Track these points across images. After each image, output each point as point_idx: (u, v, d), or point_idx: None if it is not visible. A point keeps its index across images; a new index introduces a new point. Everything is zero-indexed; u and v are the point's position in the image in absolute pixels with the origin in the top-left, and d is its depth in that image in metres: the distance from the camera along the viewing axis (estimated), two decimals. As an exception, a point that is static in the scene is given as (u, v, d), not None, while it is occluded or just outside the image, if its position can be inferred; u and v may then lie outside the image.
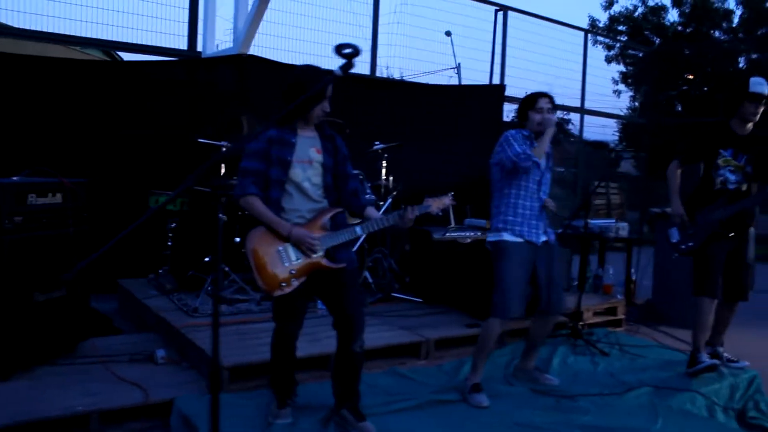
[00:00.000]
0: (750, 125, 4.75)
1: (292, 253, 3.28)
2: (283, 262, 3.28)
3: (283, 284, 3.27)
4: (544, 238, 4.21)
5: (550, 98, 4.22)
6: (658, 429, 3.78)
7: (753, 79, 4.65)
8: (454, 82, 10.92)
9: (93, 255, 2.06)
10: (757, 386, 4.71)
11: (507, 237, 4.11)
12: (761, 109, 4.68)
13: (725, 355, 5.03)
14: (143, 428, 3.63)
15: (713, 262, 4.69)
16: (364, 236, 5.91)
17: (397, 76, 10.81)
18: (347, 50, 2.40)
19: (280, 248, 3.28)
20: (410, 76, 10.43)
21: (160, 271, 6.04)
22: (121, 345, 4.67)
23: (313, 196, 3.37)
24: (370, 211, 3.50)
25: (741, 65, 18.10)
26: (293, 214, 3.34)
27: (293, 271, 3.28)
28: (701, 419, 4.12)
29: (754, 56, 17.81)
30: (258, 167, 3.30)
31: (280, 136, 3.32)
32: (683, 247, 4.87)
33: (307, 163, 3.35)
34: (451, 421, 3.70)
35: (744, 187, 4.73)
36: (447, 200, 3.51)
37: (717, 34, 20.61)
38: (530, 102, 4.19)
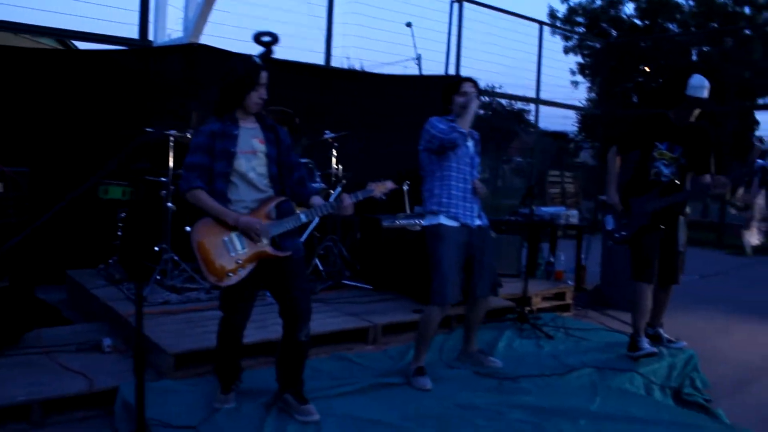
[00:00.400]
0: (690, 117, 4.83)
1: (237, 243, 3.31)
2: (229, 252, 3.29)
3: (230, 274, 3.29)
4: (478, 222, 4.28)
5: (475, 83, 4.31)
6: (596, 407, 3.87)
7: (693, 81, 4.67)
8: (415, 72, 11.00)
9: (8, 244, 2.06)
10: (693, 365, 4.87)
11: (443, 221, 4.16)
12: (698, 112, 4.79)
13: (665, 335, 5.18)
14: (86, 417, 3.62)
15: (648, 250, 4.82)
16: (314, 224, 5.99)
17: (358, 66, 10.84)
18: (266, 38, 2.43)
19: (226, 238, 3.30)
20: (371, 66, 10.48)
21: (110, 261, 6.00)
22: (68, 335, 4.64)
23: (259, 186, 3.40)
24: (316, 199, 3.54)
25: (694, 58, 18.44)
26: (239, 204, 3.36)
27: (239, 261, 3.30)
28: (638, 397, 4.24)
29: (705, 49, 18.16)
30: (202, 161, 3.32)
31: (222, 129, 3.34)
32: (617, 235, 5.01)
33: (251, 153, 3.38)
34: (393, 404, 3.76)
35: (678, 179, 4.86)
36: (389, 184, 3.58)
37: (671, 26, 20.96)
38: (454, 87, 4.28)
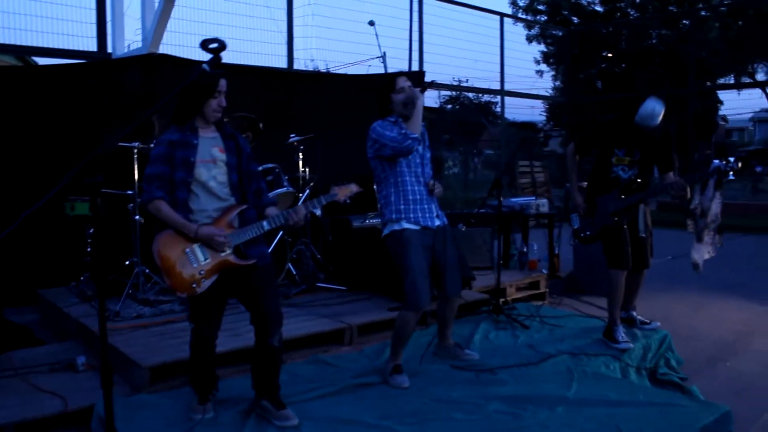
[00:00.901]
0: None
1: (199, 253, 3.29)
2: (192, 263, 3.28)
3: (194, 285, 3.27)
4: (438, 222, 4.23)
5: (409, 76, 4.25)
6: (573, 393, 3.91)
7: (643, 110, 4.67)
8: (381, 71, 11.00)
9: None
10: (668, 345, 4.95)
11: (405, 225, 4.08)
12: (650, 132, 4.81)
13: (638, 318, 5.25)
14: (62, 437, 3.59)
15: (619, 238, 4.88)
16: (282, 231, 5.97)
17: (323, 68, 10.82)
18: (213, 45, 2.42)
19: (188, 250, 3.28)
20: (337, 67, 10.46)
21: (81, 278, 5.93)
22: (41, 355, 4.57)
23: (220, 195, 3.38)
24: (270, 210, 3.52)
25: (653, 41, 18.66)
26: (201, 214, 3.35)
27: (202, 272, 3.28)
28: (615, 380, 4.29)
29: (664, 32, 18.39)
30: (162, 171, 3.30)
31: (182, 138, 3.32)
32: (582, 234, 5.13)
33: (211, 162, 3.36)
34: (371, 403, 3.76)
35: (639, 179, 4.92)
36: (353, 188, 3.57)
37: (631, 12, 21.19)
38: (390, 85, 4.15)
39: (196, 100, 3.29)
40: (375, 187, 4.33)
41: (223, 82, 3.32)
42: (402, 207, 4.10)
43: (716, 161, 4.54)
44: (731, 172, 4.50)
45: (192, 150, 3.31)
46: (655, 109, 4.66)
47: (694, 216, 4.68)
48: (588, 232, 5.06)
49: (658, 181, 5.04)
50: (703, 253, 4.70)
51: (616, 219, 4.86)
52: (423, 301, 4.05)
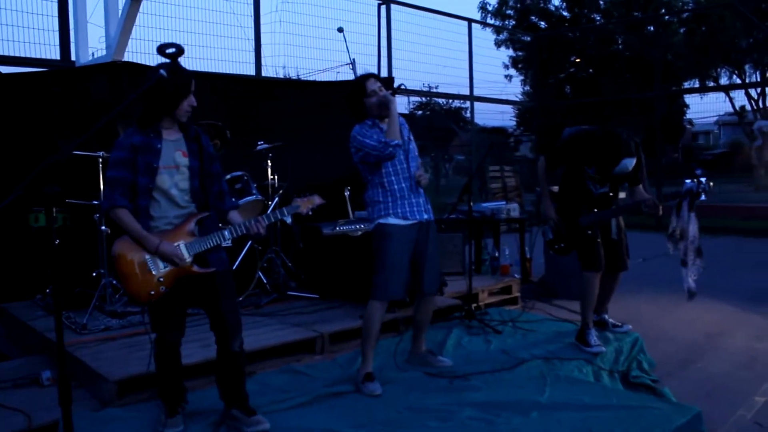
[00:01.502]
0: None
1: (159, 261, 3.24)
2: (151, 270, 3.23)
3: (152, 292, 3.23)
4: (426, 216, 4.26)
5: (376, 77, 4.22)
6: (546, 397, 3.91)
7: (620, 168, 4.71)
8: (351, 77, 10.98)
9: None
10: (639, 347, 4.97)
11: (391, 220, 4.12)
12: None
13: (610, 321, 5.28)
14: (27, 454, 3.50)
15: (591, 242, 4.91)
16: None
17: (293, 75, 10.77)
18: (170, 50, 2.37)
19: (147, 256, 3.23)
20: (307, 74, 10.42)
21: (47, 290, 5.81)
22: (5, 371, 4.46)
23: (179, 203, 3.33)
24: (233, 216, 3.50)
25: (620, 46, 18.91)
26: (161, 221, 3.30)
27: (161, 279, 3.24)
28: (587, 384, 4.30)
29: (629, 37, 18.65)
30: (125, 176, 3.23)
31: (145, 142, 3.25)
32: (556, 246, 5.18)
33: (174, 168, 3.30)
34: (344, 412, 3.72)
35: (611, 192, 4.99)
36: (316, 199, 3.56)
37: (597, 18, 21.46)
38: (359, 91, 4.15)
39: (170, 102, 3.22)
40: (364, 194, 4.33)
41: (192, 81, 3.27)
42: (390, 202, 4.14)
43: (688, 182, 4.60)
44: (703, 194, 4.56)
45: (155, 155, 3.25)
46: (628, 165, 4.71)
47: (675, 239, 4.72)
48: (562, 245, 5.11)
49: (628, 196, 5.10)
50: (689, 278, 4.74)
51: (589, 232, 4.88)
52: (391, 293, 4.11)
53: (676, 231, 4.68)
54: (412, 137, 4.35)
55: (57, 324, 2.42)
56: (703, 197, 4.58)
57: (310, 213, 3.54)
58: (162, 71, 2.44)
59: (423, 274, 4.27)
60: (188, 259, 3.26)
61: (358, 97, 4.15)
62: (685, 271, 4.75)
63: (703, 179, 4.56)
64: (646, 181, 4.99)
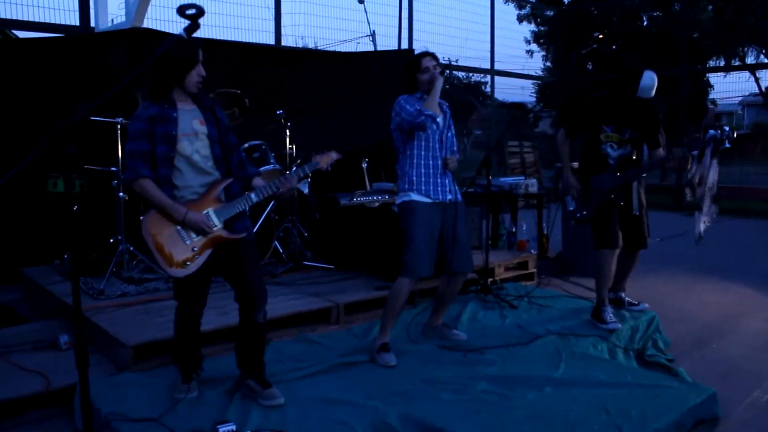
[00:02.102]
0: None
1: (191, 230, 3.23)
2: (184, 240, 3.20)
3: (188, 263, 3.21)
4: (450, 197, 4.27)
5: (433, 56, 4.30)
6: (560, 373, 3.89)
7: (644, 82, 4.64)
8: (370, 48, 10.89)
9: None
10: (655, 326, 4.94)
11: (414, 197, 4.17)
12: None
13: (626, 299, 5.24)
14: (45, 416, 3.53)
15: (607, 217, 4.85)
16: (270, 206, 5.93)
17: (312, 45, 10.71)
18: (190, 11, 2.33)
19: (179, 227, 3.21)
20: (325, 45, 10.36)
21: (65, 256, 5.86)
22: (23, 334, 4.52)
23: (204, 168, 3.30)
24: (257, 181, 3.47)
25: (644, 23, 18.57)
26: (186, 190, 3.27)
27: (195, 249, 3.22)
28: (602, 361, 4.28)
29: (654, 14, 18.30)
30: (144, 147, 3.19)
31: (161, 112, 3.22)
32: (578, 215, 5.05)
33: (193, 135, 3.27)
34: (358, 382, 3.73)
35: (634, 155, 4.90)
36: (333, 155, 3.55)
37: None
38: (415, 66, 4.27)
39: (177, 73, 3.20)
40: (396, 164, 4.39)
41: (199, 51, 3.23)
42: (414, 179, 4.20)
43: (712, 131, 4.55)
44: (727, 140, 4.52)
45: (173, 123, 3.22)
46: (653, 80, 4.67)
47: (693, 185, 4.68)
48: (584, 212, 4.99)
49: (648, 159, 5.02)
50: (700, 222, 4.74)
51: (612, 196, 4.82)
52: (419, 271, 4.11)
53: (695, 177, 4.65)
54: (451, 125, 4.44)
55: (74, 289, 2.42)
56: (727, 144, 4.54)
57: (329, 168, 3.54)
58: (182, 32, 2.40)
59: (452, 253, 4.28)
60: (219, 225, 3.25)
61: (413, 72, 4.27)
62: (698, 216, 4.76)
63: (726, 128, 4.53)
64: (665, 150, 4.92)
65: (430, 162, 4.23)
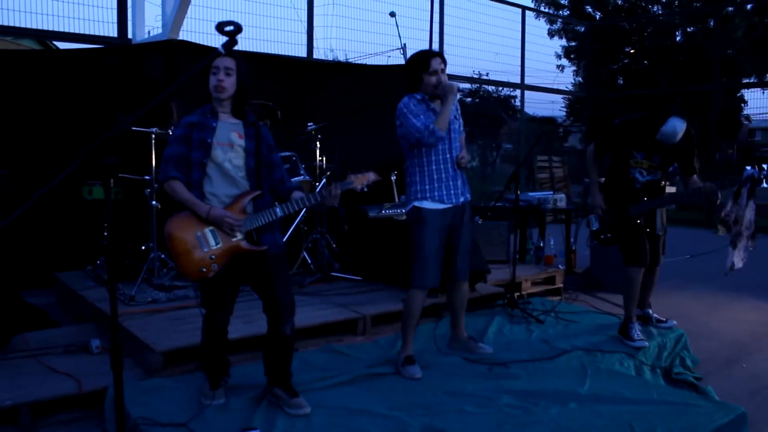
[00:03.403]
0: None
1: (210, 238, 3.27)
2: (202, 247, 3.26)
3: (203, 269, 3.26)
4: (462, 199, 4.22)
5: (442, 58, 4.13)
6: (586, 389, 3.88)
7: (666, 128, 4.53)
8: (401, 62, 10.95)
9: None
10: (683, 344, 4.90)
11: (426, 205, 4.10)
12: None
13: (654, 315, 5.20)
14: (76, 419, 3.61)
15: (637, 235, 4.82)
16: (300, 217, 5.98)
17: (342, 58, 10.81)
18: (228, 28, 2.39)
19: (199, 233, 3.26)
20: (356, 58, 10.45)
21: (98, 262, 5.98)
22: (56, 337, 4.61)
23: (235, 178, 3.36)
24: (297, 194, 3.50)
25: (678, 38, 18.44)
26: (213, 198, 3.33)
27: (213, 257, 3.27)
28: (629, 378, 4.25)
29: (690, 29, 18.16)
30: (180, 152, 3.30)
31: (201, 120, 3.33)
32: (602, 237, 5.03)
33: (228, 146, 3.34)
34: (383, 393, 3.75)
35: (663, 182, 4.89)
36: (371, 176, 3.55)
37: (655, 8, 20.93)
38: (423, 64, 4.06)
39: (202, 80, 3.33)
40: (404, 166, 4.29)
41: (218, 59, 3.27)
42: (427, 186, 4.11)
43: (749, 168, 4.48)
44: (765, 180, 4.45)
45: (210, 132, 3.31)
46: (676, 127, 4.53)
47: (727, 223, 4.60)
48: (609, 235, 4.98)
49: (682, 187, 4.98)
50: (737, 259, 4.64)
51: (639, 221, 4.80)
52: (429, 280, 4.09)
53: (731, 216, 4.58)
54: (459, 110, 4.29)
55: (111, 294, 2.49)
56: (765, 184, 4.48)
57: (365, 190, 3.54)
58: (220, 48, 2.47)
59: (456, 259, 4.25)
60: (239, 235, 3.31)
61: (419, 70, 4.08)
62: (732, 252, 4.68)
63: (765, 165, 4.46)
64: (698, 174, 4.88)
65: (441, 166, 4.12)
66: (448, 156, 4.14)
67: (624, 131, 4.90)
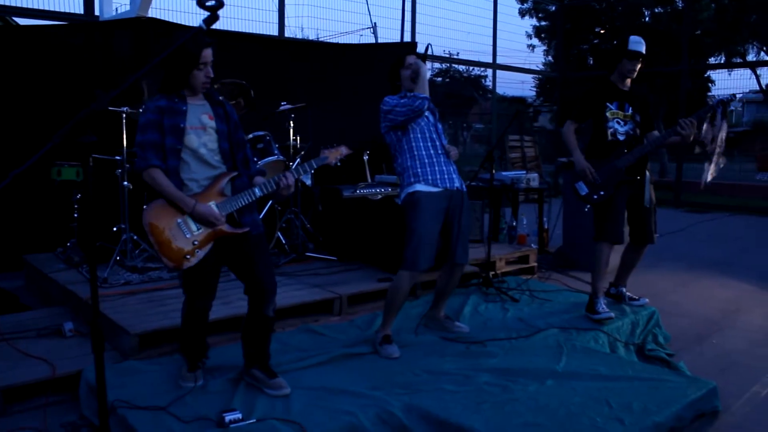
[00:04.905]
0: (628, 81, 4.98)
1: (192, 223, 3.21)
2: (185, 234, 3.20)
3: (188, 256, 3.20)
4: (457, 184, 4.26)
5: (417, 56, 4.34)
6: (562, 366, 3.92)
7: (632, 38, 4.86)
8: (371, 41, 10.89)
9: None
10: (655, 321, 4.97)
11: (420, 188, 4.12)
12: (638, 66, 4.90)
13: (627, 294, 5.27)
14: (50, 403, 3.55)
15: (614, 209, 4.85)
16: (273, 201, 5.94)
17: (313, 37, 10.71)
18: (210, 2, 2.33)
19: (179, 220, 3.20)
20: (327, 36, 10.37)
21: (68, 244, 5.88)
22: (28, 321, 4.54)
23: (211, 162, 3.30)
24: (258, 179, 3.45)
25: (646, 19, 18.57)
26: (192, 183, 3.26)
27: (196, 242, 3.21)
28: (603, 355, 4.30)
29: (657, 10, 18.29)
30: (155, 138, 3.20)
31: (169, 104, 3.24)
32: (595, 197, 4.89)
33: (201, 129, 3.28)
34: (362, 373, 3.75)
35: (638, 132, 4.93)
36: (343, 150, 3.54)
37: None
38: (399, 63, 4.31)
39: (182, 72, 3.21)
40: (394, 164, 4.35)
41: (208, 52, 3.22)
42: (419, 170, 4.15)
43: (718, 96, 4.80)
44: (733, 101, 4.82)
45: (181, 116, 3.23)
46: (640, 38, 4.88)
47: (704, 143, 4.88)
48: (602, 193, 4.87)
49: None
50: (709, 174, 5.01)
51: (627, 173, 4.83)
52: (421, 264, 4.08)
53: (707, 136, 4.84)
54: (439, 120, 4.44)
55: (92, 276, 2.43)
56: (733, 106, 4.77)
57: (338, 164, 3.54)
58: (201, 24, 2.41)
59: (455, 244, 4.27)
60: (222, 219, 3.26)
61: (396, 69, 4.30)
62: (708, 167, 4.99)
63: (729, 94, 4.89)
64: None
65: (431, 151, 4.20)
66: (437, 144, 4.25)
67: (593, 90, 5.01)
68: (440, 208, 4.16)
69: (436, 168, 4.17)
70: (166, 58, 3.07)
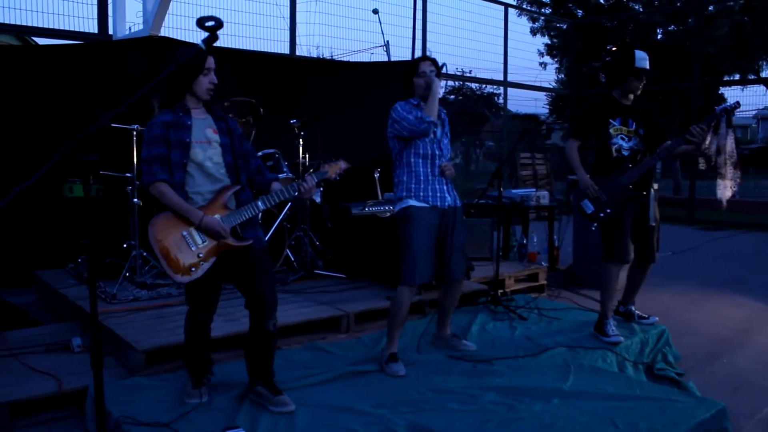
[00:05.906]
0: (631, 96, 4.91)
1: (197, 236, 3.24)
2: (190, 246, 3.23)
3: (192, 269, 3.23)
4: (449, 201, 4.26)
5: (433, 61, 4.27)
6: (570, 385, 3.89)
7: (638, 54, 4.79)
8: (384, 59, 10.96)
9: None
10: (665, 340, 4.92)
11: (412, 203, 4.15)
12: (643, 83, 4.86)
13: (636, 312, 5.23)
14: (57, 418, 3.56)
15: (621, 228, 4.82)
16: (283, 214, 5.96)
17: (326, 55, 10.78)
18: (209, 23, 2.37)
19: (185, 233, 3.23)
20: (340, 55, 10.43)
21: (79, 260, 5.93)
22: (37, 336, 4.56)
23: (216, 175, 3.34)
24: (276, 185, 3.50)
25: (659, 36, 18.56)
26: (196, 196, 3.31)
27: (201, 255, 3.24)
28: (611, 374, 4.26)
29: (670, 28, 18.28)
30: (161, 152, 3.25)
31: (174, 119, 3.28)
32: (601, 215, 4.85)
33: (206, 143, 3.33)
34: (367, 391, 3.74)
35: (643, 147, 4.90)
36: (342, 164, 3.59)
37: (636, 6, 21.05)
38: (413, 69, 4.24)
39: (186, 79, 3.27)
40: (393, 172, 4.37)
41: (210, 59, 3.30)
42: (413, 186, 4.19)
43: (722, 105, 4.69)
44: (736, 109, 4.67)
45: (186, 131, 3.28)
46: (644, 54, 4.79)
47: (708, 155, 4.77)
48: (609, 210, 4.83)
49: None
50: (726, 189, 4.83)
51: (631, 188, 4.78)
52: (417, 277, 4.11)
53: (712, 147, 4.74)
54: (448, 133, 4.41)
55: (91, 292, 2.46)
56: (736, 113, 4.69)
57: (338, 178, 3.61)
58: (200, 43, 2.44)
59: (449, 259, 4.27)
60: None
61: (410, 75, 4.25)
62: (722, 183, 4.85)
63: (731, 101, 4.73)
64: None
65: (428, 169, 4.22)
66: (435, 162, 4.24)
67: (595, 107, 4.97)
68: (432, 224, 4.18)
69: (429, 186, 4.20)
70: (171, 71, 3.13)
